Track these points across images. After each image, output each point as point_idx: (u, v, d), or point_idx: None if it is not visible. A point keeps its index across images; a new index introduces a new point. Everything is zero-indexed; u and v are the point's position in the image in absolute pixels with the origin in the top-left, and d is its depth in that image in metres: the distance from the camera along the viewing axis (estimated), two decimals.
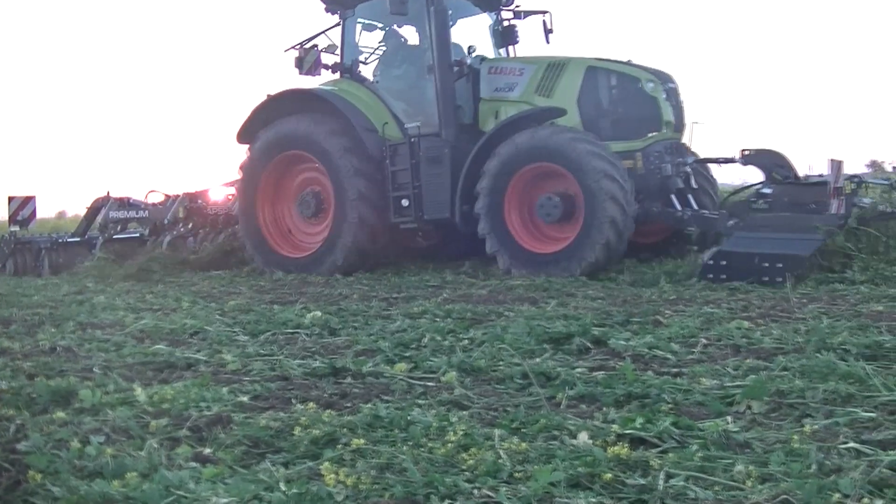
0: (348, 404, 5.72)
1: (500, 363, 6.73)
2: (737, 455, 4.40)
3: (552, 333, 7.75)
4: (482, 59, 16.22)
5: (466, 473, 4.18)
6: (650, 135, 14.40)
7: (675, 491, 3.93)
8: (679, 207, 14.19)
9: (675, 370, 6.43)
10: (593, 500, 3.81)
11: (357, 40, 16.95)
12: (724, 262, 11.71)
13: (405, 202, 15.33)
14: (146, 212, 19.56)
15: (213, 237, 18.73)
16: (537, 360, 6.85)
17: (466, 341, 7.74)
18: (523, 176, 13.89)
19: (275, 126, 16.39)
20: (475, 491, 3.93)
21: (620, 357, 6.92)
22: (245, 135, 17.01)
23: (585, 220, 13.20)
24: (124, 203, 20.01)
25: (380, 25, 17.12)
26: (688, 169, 14.72)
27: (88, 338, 8.51)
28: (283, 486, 3.98)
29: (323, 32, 17.02)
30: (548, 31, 17.05)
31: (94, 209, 20.38)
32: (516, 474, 4.13)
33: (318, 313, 9.49)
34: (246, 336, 8.56)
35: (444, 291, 11.74)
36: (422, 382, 6.28)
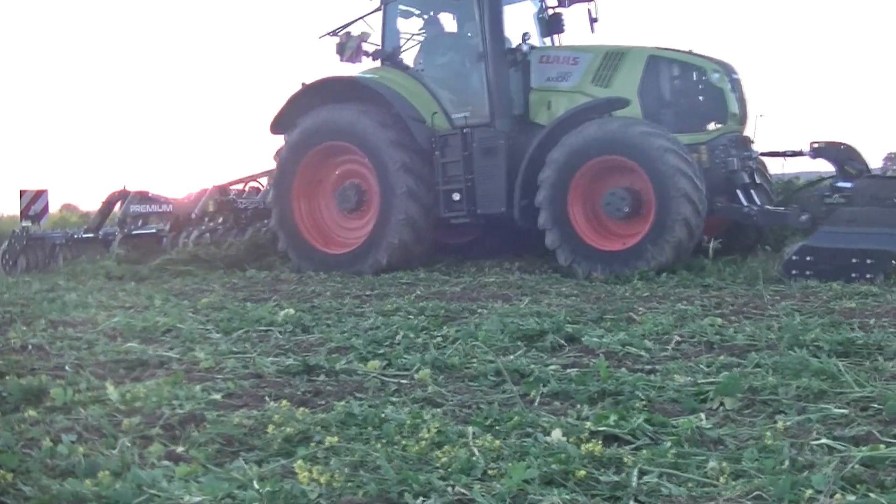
0: (322, 402, 5.72)
1: (474, 360, 6.74)
2: (710, 452, 4.42)
3: (525, 330, 7.76)
4: (531, 47, 15.40)
5: (440, 471, 4.17)
6: (715, 127, 13.95)
7: (649, 488, 3.94)
8: (745, 203, 13.60)
9: (649, 367, 6.46)
10: (567, 497, 3.81)
11: (398, 27, 16.34)
12: (810, 258, 11.35)
13: (456, 196, 14.71)
14: (170, 206, 18.73)
15: (237, 233, 17.82)
16: (511, 357, 6.87)
17: (440, 339, 7.74)
18: (590, 169, 13.26)
19: (313, 115, 15.62)
20: (449, 488, 3.92)
21: (594, 354, 6.94)
22: (280, 125, 16.30)
23: (656, 217, 12.62)
24: (145, 197, 19.15)
25: (417, 12, 16.56)
26: (752, 163, 14.22)
27: (60, 336, 8.46)
28: (256, 485, 3.96)
29: (361, 18, 16.27)
30: (593, 20, 16.19)
31: (109, 203, 19.54)
32: (490, 471, 4.14)
33: (292, 311, 9.46)
34: (219, 334, 8.53)
35: (418, 289, 11.73)
36: (395, 380, 6.28)
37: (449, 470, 4.17)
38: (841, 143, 12.86)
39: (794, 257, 11.45)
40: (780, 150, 14.68)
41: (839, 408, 5.12)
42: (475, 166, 14.51)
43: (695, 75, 14.06)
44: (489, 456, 4.35)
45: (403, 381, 6.23)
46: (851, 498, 3.68)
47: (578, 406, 5.40)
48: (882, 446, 4.32)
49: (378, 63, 16.24)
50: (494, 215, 14.51)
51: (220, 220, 18.13)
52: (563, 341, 7.46)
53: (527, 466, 4.06)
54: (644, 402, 5.38)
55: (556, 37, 16.35)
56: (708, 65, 14.00)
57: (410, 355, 7.00)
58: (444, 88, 15.48)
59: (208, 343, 8.02)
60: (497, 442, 4.51)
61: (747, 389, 5.52)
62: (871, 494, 3.71)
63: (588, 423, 4.82)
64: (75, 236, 19.10)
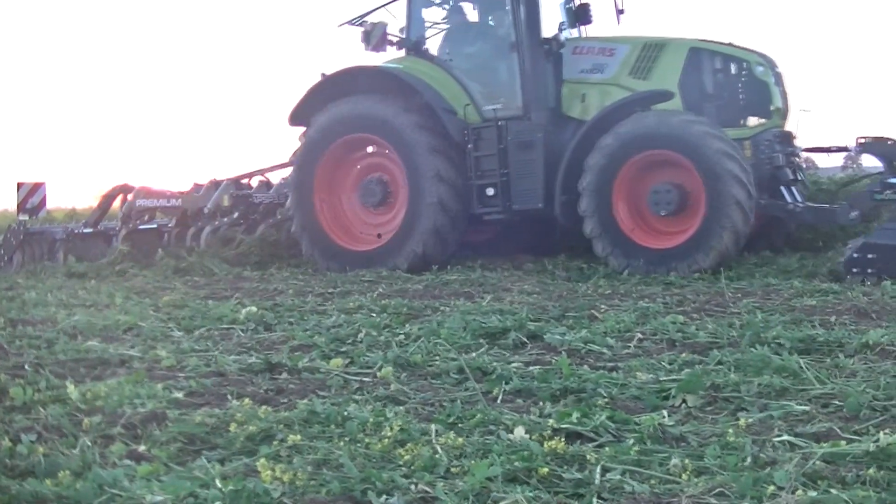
0: (284, 400, 5.70)
1: (436, 358, 6.75)
2: (672, 448, 4.44)
3: (488, 328, 7.77)
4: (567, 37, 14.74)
5: (403, 468, 4.18)
6: (758, 122, 13.58)
7: (612, 485, 3.95)
8: (789, 199, 13.21)
9: (611, 364, 6.48)
10: (530, 494, 3.82)
11: (423, 15, 15.54)
12: (873, 256, 10.94)
13: (490, 191, 14.03)
14: (178, 200, 17.70)
15: (244, 230, 16.97)
16: (473, 354, 6.87)
17: (402, 336, 7.73)
18: (638, 161, 12.71)
19: (337, 106, 14.83)
20: (412, 486, 3.93)
21: (556, 352, 6.95)
22: (299, 116, 15.47)
23: (709, 204, 12.11)
24: (151, 191, 17.96)
25: (437, 1, 15.78)
26: (796, 159, 13.94)
27: (19, 334, 8.38)
28: (218, 483, 3.95)
29: (384, 6, 15.47)
30: (619, 11, 15.43)
31: (109, 198, 18.34)
32: (453, 469, 4.14)
33: (254, 309, 9.42)
34: (180, 332, 8.48)
35: (380, 286, 11.69)
36: (358, 378, 6.28)
37: (412, 468, 4.18)
38: (888, 139, 12.43)
39: (855, 255, 11.06)
40: (826, 146, 14.43)
41: (800, 405, 5.16)
42: (510, 160, 13.91)
43: (738, 68, 13.71)
44: (452, 454, 4.36)
45: (366, 379, 6.23)
46: (813, 494, 3.70)
47: (541, 404, 5.42)
48: (843, 443, 4.35)
49: (401, 53, 15.57)
50: (531, 211, 13.94)
51: (236, 215, 17.23)
52: (525, 339, 7.46)
53: (490, 464, 4.07)
54: (606, 400, 5.40)
55: (582, 28, 15.44)
56: (752, 57, 13.66)
57: (373, 353, 7.00)
58: (473, 79, 14.83)
59: (170, 341, 7.98)
60: (460, 440, 4.51)
61: (709, 387, 5.55)
62: (833, 490, 3.73)
63: (551, 421, 4.83)
64: (76, 231, 17.88)
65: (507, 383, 5.88)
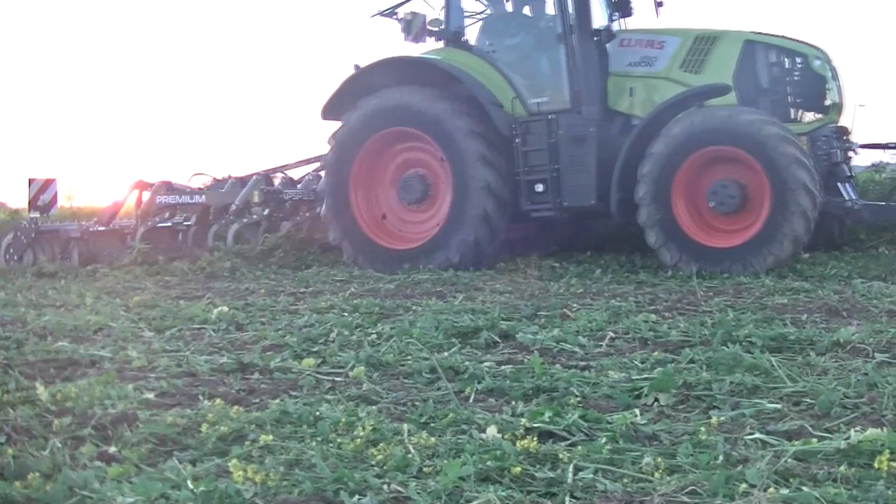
0: (256, 400, 5.68)
1: (408, 358, 6.74)
2: (645, 447, 4.44)
3: (460, 327, 7.76)
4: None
5: (376, 468, 4.17)
6: (815, 118, 13.35)
7: (584, 483, 3.96)
8: (846, 197, 12.86)
9: (583, 363, 6.48)
10: (502, 493, 3.82)
11: (462, 4, 14.96)
12: None
13: (540, 187, 13.56)
14: (202, 196, 17.16)
15: (264, 227, 16.49)
16: (445, 354, 6.86)
17: (374, 336, 7.71)
18: (695, 161, 12.34)
19: (375, 98, 14.26)
20: (384, 486, 3.92)
21: (528, 351, 6.96)
22: (333, 109, 14.89)
23: (772, 210, 11.75)
24: (172, 186, 17.44)
25: None
26: (852, 155, 13.70)
27: None
28: (190, 485, 3.93)
29: None
30: (658, 4, 14.92)
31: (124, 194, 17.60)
32: (426, 469, 4.14)
33: (225, 308, 9.38)
34: (151, 332, 8.44)
35: (352, 286, 11.68)
36: (330, 377, 6.26)
37: (384, 468, 4.17)
38: None
39: None
40: (884, 143, 14.29)
41: (772, 403, 5.19)
42: (561, 155, 13.43)
43: (795, 62, 13.41)
44: (424, 453, 4.35)
45: (338, 379, 6.22)
46: (785, 492, 3.71)
47: (513, 403, 5.42)
48: (814, 440, 4.37)
49: (439, 44, 15.04)
50: (583, 208, 13.57)
51: (266, 212, 16.80)
52: (497, 338, 7.46)
53: (462, 463, 4.06)
54: (579, 399, 5.41)
55: (621, 21, 14.69)
56: (809, 51, 13.33)
57: (345, 353, 6.98)
58: (516, 71, 14.32)
59: (141, 342, 7.93)
60: (432, 439, 4.51)
61: (681, 385, 5.56)
62: (804, 488, 3.75)
63: (523, 420, 4.83)
64: (91, 229, 17.04)
65: (479, 382, 5.87)
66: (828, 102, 13.25)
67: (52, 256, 16.61)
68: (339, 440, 4.57)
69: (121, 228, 17.17)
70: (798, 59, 13.31)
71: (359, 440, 4.51)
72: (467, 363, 6.43)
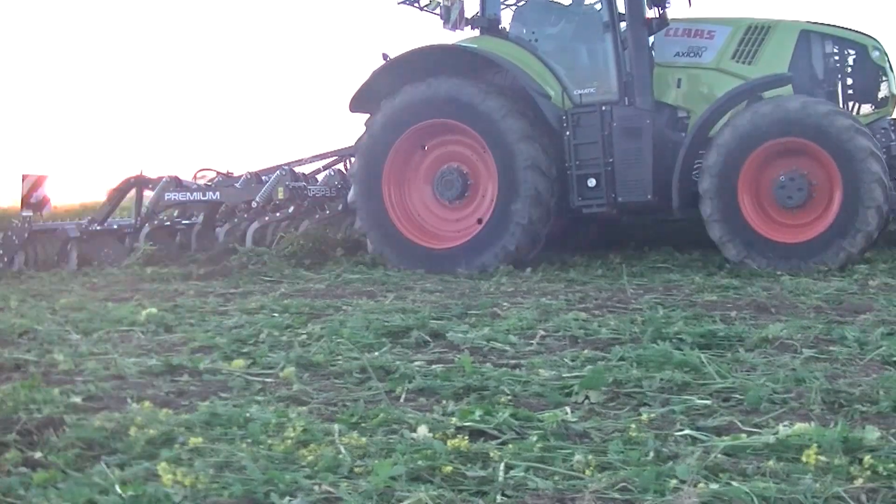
0: (185, 402, 5.64)
1: (339, 358, 6.72)
2: (575, 445, 4.45)
3: (390, 327, 7.75)
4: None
5: (306, 469, 4.15)
6: (871, 110, 12.94)
7: (516, 482, 3.96)
8: None
9: (514, 362, 6.49)
10: (434, 493, 3.81)
11: None
12: None
13: (592, 182, 12.90)
14: (216, 193, 15.91)
15: (274, 226, 15.92)
16: (376, 353, 6.84)
17: (304, 336, 7.69)
18: (760, 153, 11.90)
19: (411, 89, 13.52)
20: (315, 487, 3.91)
21: (459, 350, 6.96)
22: (362, 101, 14.17)
23: (844, 204, 11.47)
24: (182, 182, 16.39)
25: None
26: None
27: None
28: (118, 489, 3.88)
29: None
30: None
31: (121, 191, 16.51)
32: (356, 469, 4.12)
33: (154, 310, 9.28)
34: (78, 335, 8.33)
35: (282, 286, 11.62)
36: (260, 378, 6.23)
37: (315, 468, 4.15)
38: None
39: None
40: None
41: (702, 399, 5.23)
42: (615, 149, 12.84)
43: (852, 53, 13.03)
44: (355, 454, 4.33)
45: (268, 380, 6.18)
46: (714, 487, 3.74)
47: (444, 402, 5.42)
48: (743, 436, 4.42)
49: (472, 32, 14.38)
50: (638, 204, 12.99)
51: (291, 209, 15.72)
52: (427, 337, 7.45)
53: (393, 463, 4.06)
54: (509, 397, 5.42)
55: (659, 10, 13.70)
56: (868, 41, 12.95)
57: (275, 354, 6.95)
58: (559, 61, 13.64)
59: (67, 345, 7.84)
60: (363, 439, 4.49)
61: (612, 382, 5.58)
62: (734, 483, 3.77)
63: (454, 419, 4.84)
64: (91, 228, 15.86)
65: (409, 382, 5.86)
66: (884, 94, 12.98)
67: (49, 258, 15.68)
68: (269, 441, 4.55)
69: (120, 228, 16.21)
70: (855, 50, 13.01)
71: (289, 441, 4.49)
72: (398, 363, 6.42)
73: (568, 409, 5.11)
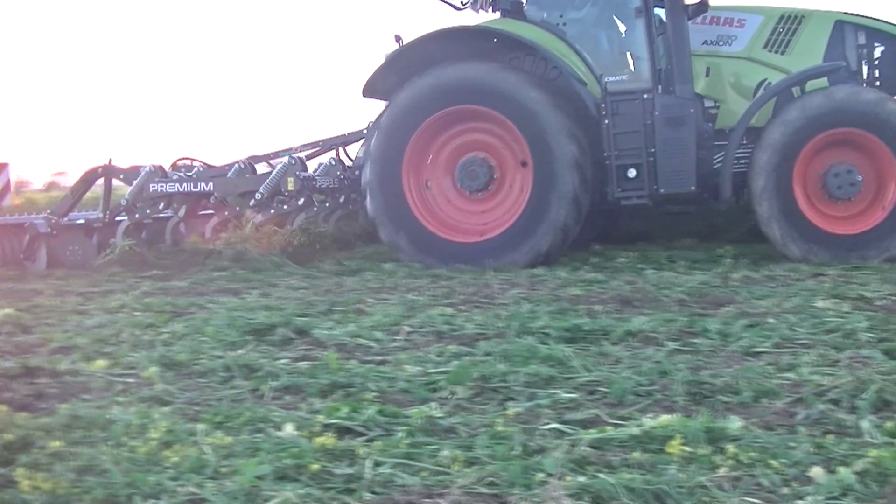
0: (44, 405, 5.52)
1: (202, 356, 6.64)
2: (442, 440, 4.47)
3: (255, 324, 7.68)
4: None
5: (170, 471, 4.10)
6: None
7: (383, 479, 3.96)
8: None
9: (380, 358, 6.48)
10: (301, 491, 3.79)
11: None
12: None
13: (632, 172, 12.39)
14: (209, 184, 14.37)
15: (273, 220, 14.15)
16: (240, 351, 6.79)
17: (167, 335, 7.58)
18: (811, 147, 11.66)
19: (437, 72, 12.77)
20: (180, 488, 3.87)
21: (324, 347, 6.93)
22: (377, 86, 13.50)
23: None
24: (167, 172, 14.83)
25: None
26: None
27: None
28: None
29: None
30: None
31: (86, 182, 14.86)
32: (222, 469, 4.09)
33: (10, 310, 9.07)
34: None
35: (144, 284, 11.42)
36: (122, 379, 6.12)
37: (179, 469, 4.11)
38: None
39: None
40: None
41: (567, 392, 5.28)
42: (657, 138, 12.34)
43: (885, 44, 12.76)
44: (220, 453, 4.30)
45: (130, 381, 6.08)
46: (581, 479, 3.78)
47: (310, 399, 5.40)
48: (609, 428, 4.48)
49: (493, 15, 13.65)
50: (681, 195, 12.56)
51: (301, 202, 14.71)
52: (293, 335, 7.39)
53: (259, 462, 4.04)
54: (376, 394, 5.42)
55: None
56: None
57: (137, 353, 6.83)
58: (587, 46, 13.07)
59: None
60: (228, 439, 4.47)
61: (478, 378, 5.60)
62: (600, 475, 3.82)
63: (320, 417, 4.83)
64: (63, 223, 14.21)
65: (275, 380, 5.83)
66: None
67: (13, 255, 14.07)
68: (131, 443, 4.48)
69: (89, 222, 14.37)
70: (888, 42, 12.77)
71: (152, 442, 4.43)
72: (262, 360, 6.37)
73: (434, 404, 5.13)
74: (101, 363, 6.48)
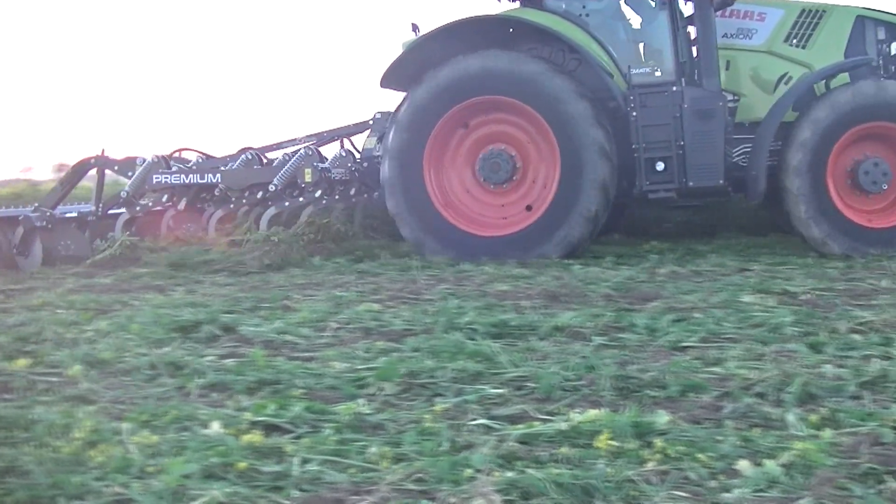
0: None
1: (127, 354, 6.57)
2: (370, 437, 4.47)
3: (180, 322, 7.62)
4: None
5: (95, 471, 4.05)
6: None
7: (311, 476, 3.96)
8: None
9: (307, 355, 6.47)
10: (228, 489, 3.77)
11: None
12: None
13: (661, 165, 12.24)
14: (217, 175, 14.03)
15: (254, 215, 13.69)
16: (166, 349, 6.73)
17: (91, 333, 7.49)
18: (842, 143, 11.68)
19: (463, 61, 12.45)
20: (105, 489, 3.83)
21: (251, 343, 6.89)
22: (396, 77, 13.21)
23: None
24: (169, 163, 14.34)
25: None
26: None
27: None
28: None
29: None
30: None
31: (77, 173, 14.34)
32: (148, 468, 4.06)
33: None
34: None
35: (67, 281, 11.29)
36: (45, 378, 6.04)
37: (105, 469, 4.07)
38: None
39: None
40: None
41: (495, 388, 5.29)
42: (685, 131, 12.22)
43: None
44: (146, 452, 4.27)
45: (54, 379, 6.00)
46: (509, 474, 3.79)
47: (237, 397, 5.37)
48: (537, 423, 4.50)
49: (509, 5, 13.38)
50: (709, 189, 12.43)
51: (318, 194, 14.04)
52: (219, 331, 7.35)
53: (186, 461, 4.02)
54: (303, 390, 5.41)
55: None
56: None
57: (60, 351, 6.74)
58: (610, 37, 12.96)
59: None
60: (154, 438, 4.43)
61: (405, 374, 5.61)
62: (529, 470, 3.83)
63: (247, 414, 4.81)
64: (58, 216, 13.70)
65: (201, 377, 5.79)
66: None
67: (5, 252, 13.37)
68: (55, 443, 4.42)
69: (81, 215, 13.96)
70: None
71: (76, 442, 4.38)
72: (188, 358, 6.33)
73: (362, 401, 5.13)
74: (22, 362, 6.39)
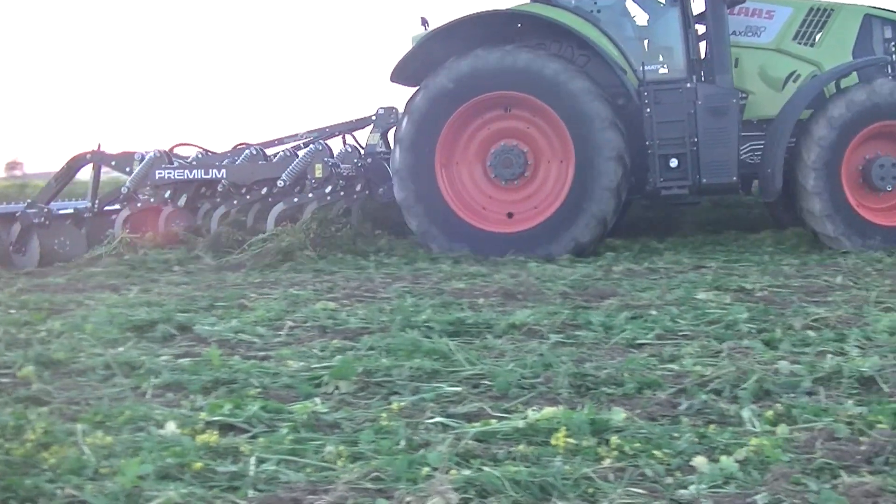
0: None
1: (81, 354, 6.53)
2: (327, 436, 4.46)
3: (135, 321, 7.57)
4: None
5: (48, 473, 4.02)
6: None
7: (267, 475, 3.94)
8: None
9: (262, 354, 6.45)
10: (184, 490, 3.75)
11: None
12: None
13: (674, 162, 12.20)
14: (222, 171, 13.84)
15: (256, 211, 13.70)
16: (120, 349, 6.69)
17: (44, 333, 7.43)
18: (856, 141, 11.73)
19: (483, 55, 12.36)
20: (59, 491, 3.80)
21: (206, 343, 6.86)
22: (406, 72, 13.24)
23: None
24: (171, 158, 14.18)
25: None
26: None
27: None
28: None
29: None
30: None
31: (72, 168, 14.13)
32: (102, 470, 4.02)
33: None
34: None
35: (19, 281, 11.18)
36: None
37: (58, 471, 4.03)
38: None
39: None
40: None
41: (452, 386, 5.29)
42: (699, 128, 12.20)
43: None
44: (100, 454, 4.23)
45: (5, 380, 5.95)
46: (467, 472, 3.79)
47: (192, 396, 5.35)
48: (494, 421, 4.50)
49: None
50: (722, 186, 12.46)
51: (329, 189, 13.68)
52: (174, 331, 7.32)
53: (141, 462, 3.99)
54: (259, 390, 5.39)
55: None
56: None
57: (12, 352, 6.68)
58: (621, 34, 12.99)
59: None
60: (108, 438, 4.39)
61: (362, 372, 5.60)
62: (486, 468, 3.83)
63: (203, 414, 4.78)
64: (55, 213, 13.46)
65: (156, 377, 5.76)
66: None
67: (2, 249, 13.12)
68: (7, 445, 4.37)
69: (78, 212, 13.78)
70: None
71: (29, 444, 4.33)
72: (143, 358, 6.29)
73: (318, 399, 5.12)
74: None
